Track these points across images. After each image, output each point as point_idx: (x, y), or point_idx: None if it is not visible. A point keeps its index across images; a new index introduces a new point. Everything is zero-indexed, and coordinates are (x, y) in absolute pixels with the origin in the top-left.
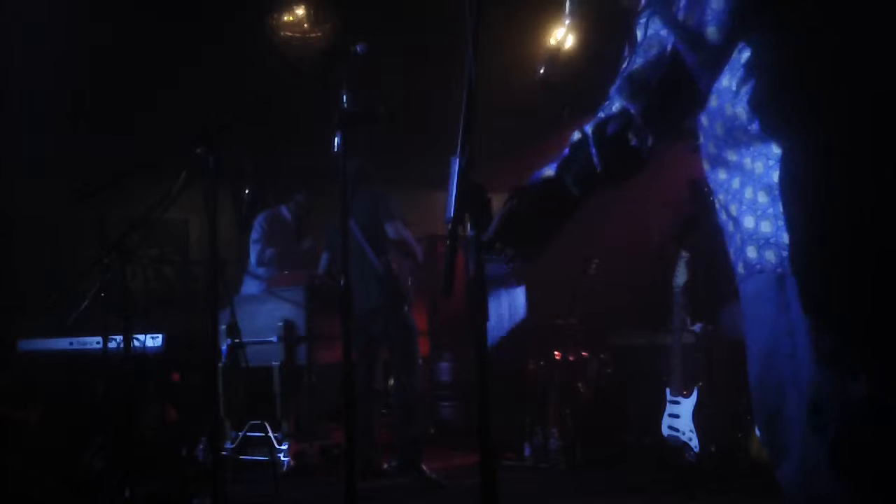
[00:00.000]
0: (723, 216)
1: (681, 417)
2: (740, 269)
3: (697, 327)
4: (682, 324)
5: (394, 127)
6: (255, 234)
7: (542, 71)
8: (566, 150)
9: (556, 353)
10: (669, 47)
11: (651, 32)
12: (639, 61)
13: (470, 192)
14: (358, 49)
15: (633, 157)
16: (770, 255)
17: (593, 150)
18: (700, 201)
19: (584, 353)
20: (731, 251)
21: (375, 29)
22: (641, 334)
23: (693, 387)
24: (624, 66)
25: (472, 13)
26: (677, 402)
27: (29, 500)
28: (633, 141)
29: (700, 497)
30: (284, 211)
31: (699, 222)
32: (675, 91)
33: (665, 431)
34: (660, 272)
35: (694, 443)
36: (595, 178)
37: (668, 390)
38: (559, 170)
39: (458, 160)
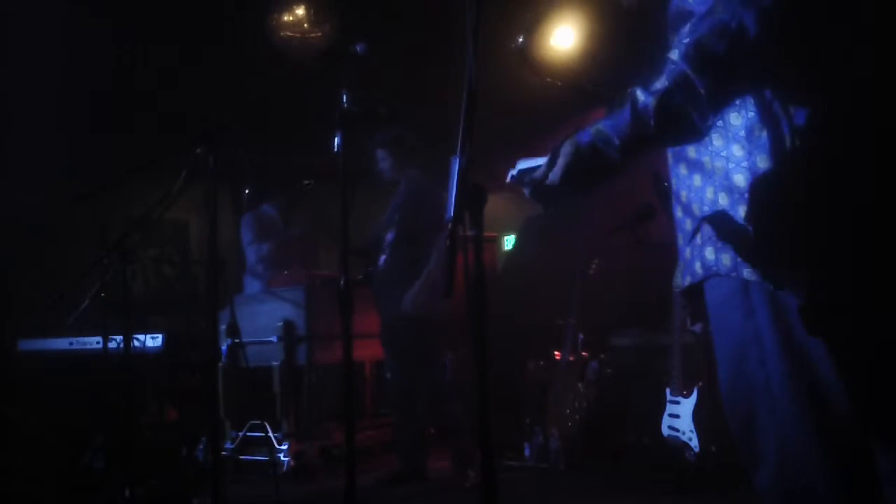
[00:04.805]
0: (679, 213)
1: (681, 417)
2: (697, 268)
3: (697, 327)
4: (682, 324)
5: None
6: (246, 237)
7: (520, 40)
8: (622, 114)
9: (556, 353)
10: (734, 19)
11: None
12: (704, 29)
13: (470, 192)
14: (358, 49)
15: (691, 130)
16: (726, 259)
17: (652, 122)
18: (659, 194)
19: (584, 353)
20: (689, 249)
21: (375, 29)
22: (641, 334)
23: (693, 387)
24: (685, 31)
25: (472, 12)
26: (677, 402)
27: (29, 500)
28: (695, 116)
29: (700, 496)
30: (267, 208)
31: (654, 214)
32: (740, 64)
33: (665, 431)
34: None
35: (694, 443)
36: (645, 144)
37: (668, 390)
38: (607, 133)
39: (458, 160)
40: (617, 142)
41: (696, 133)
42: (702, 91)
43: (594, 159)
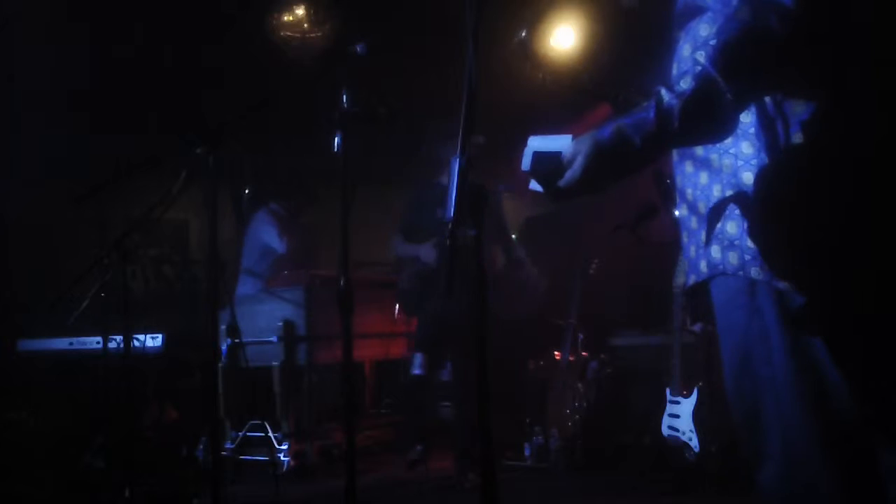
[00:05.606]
0: (684, 211)
1: (681, 417)
2: (703, 267)
3: (697, 327)
4: (682, 324)
5: (394, 127)
6: (271, 231)
7: (522, 34)
8: (645, 113)
9: (556, 353)
10: (760, 21)
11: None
12: (731, 32)
13: (470, 192)
14: (358, 49)
15: (715, 133)
16: (733, 258)
17: (676, 123)
18: (661, 193)
19: (584, 353)
20: (693, 248)
21: (375, 29)
22: (641, 334)
23: (693, 387)
24: (708, 36)
25: (472, 12)
26: (677, 402)
27: (29, 500)
28: (719, 119)
29: (700, 496)
30: (274, 206)
31: (657, 213)
32: (767, 67)
33: (665, 431)
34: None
35: (694, 443)
36: (667, 143)
37: (668, 390)
38: (628, 132)
39: (458, 160)
40: (638, 140)
41: (719, 135)
42: (728, 95)
43: (614, 157)
